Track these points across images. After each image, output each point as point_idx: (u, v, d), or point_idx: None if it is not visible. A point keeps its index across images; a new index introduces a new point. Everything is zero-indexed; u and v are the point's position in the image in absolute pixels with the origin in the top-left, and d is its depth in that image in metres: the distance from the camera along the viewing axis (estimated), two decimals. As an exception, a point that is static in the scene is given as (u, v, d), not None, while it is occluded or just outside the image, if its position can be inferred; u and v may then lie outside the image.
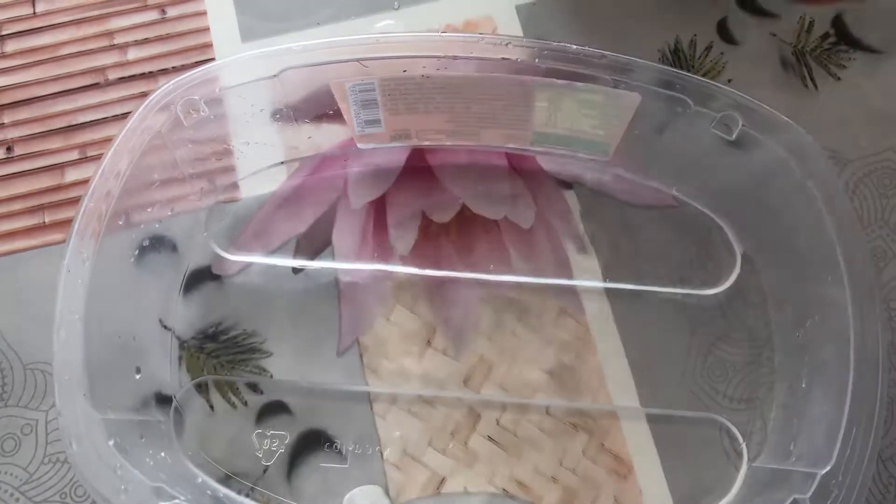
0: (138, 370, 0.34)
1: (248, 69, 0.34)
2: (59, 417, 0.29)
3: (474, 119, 0.37)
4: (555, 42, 0.34)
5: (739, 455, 0.35)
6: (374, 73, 0.35)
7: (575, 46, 0.33)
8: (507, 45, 0.34)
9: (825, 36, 0.42)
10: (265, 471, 0.35)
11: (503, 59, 0.34)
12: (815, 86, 0.41)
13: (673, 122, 0.35)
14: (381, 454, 0.35)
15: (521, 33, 0.41)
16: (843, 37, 0.42)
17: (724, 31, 0.42)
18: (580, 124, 0.36)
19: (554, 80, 0.34)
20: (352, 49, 0.34)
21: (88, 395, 0.31)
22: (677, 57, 0.41)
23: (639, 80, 0.34)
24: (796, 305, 0.35)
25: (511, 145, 0.39)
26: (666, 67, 0.33)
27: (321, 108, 0.36)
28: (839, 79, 0.41)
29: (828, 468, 0.30)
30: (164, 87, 0.33)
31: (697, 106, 0.34)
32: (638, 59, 0.33)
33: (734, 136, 0.34)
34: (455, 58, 0.34)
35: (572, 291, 0.38)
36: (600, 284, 0.38)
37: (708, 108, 0.34)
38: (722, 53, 0.41)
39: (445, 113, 0.37)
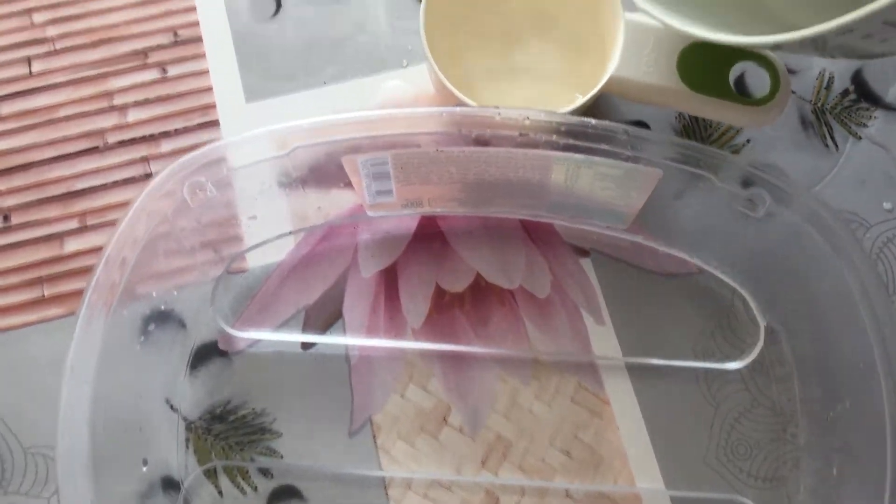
0: (145, 462, 0.33)
1: (256, 147, 0.32)
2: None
3: (489, 189, 0.36)
4: (573, 116, 0.32)
5: (765, 534, 0.34)
6: (386, 147, 0.33)
7: (594, 121, 0.32)
8: (524, 119, 0.32)
9: (845, 93, 0.41)
10: (277, 560, 0.34)
11: (521, 135, 0.32)
12: (836, 145, 0.40)
13: (693, 191, 0.34)
14: (397, 541, 0.34)
15: (534, 93, 0.40)
16: (864, 93, 0.41)
17: (741, 88, 0.41)
18: (598, 195, 0.35)
19: (572, 154, 0.33)
20: (363, 125, 0.32)
21: (93, 486, 0.29)
22: (695, 117, 0.40)
23: (659, 155, 0.32)
24: (824, 382, 0.34)
25: (526, 213, 0.38)
26: (686, 142, 0.32)
27: (331, 180, 0.35)
28: (860, 138, 0.40)
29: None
30: (171, 168, 0.32)
31: (720, 182, 0.32)
32: (657, 134, 0.32)
33: (761, 214, 0.33)
34: (470, 134, 0.33)
35: (591, 365, 0.37)
36: (619, 360, 0.36)
37: (729, 182, 0.33)
38: (741, 113, 0.40)
39: (458, 183, 0.36)
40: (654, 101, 0.36)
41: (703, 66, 0.35)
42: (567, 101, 0.36)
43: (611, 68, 0.35)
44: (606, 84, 0.35)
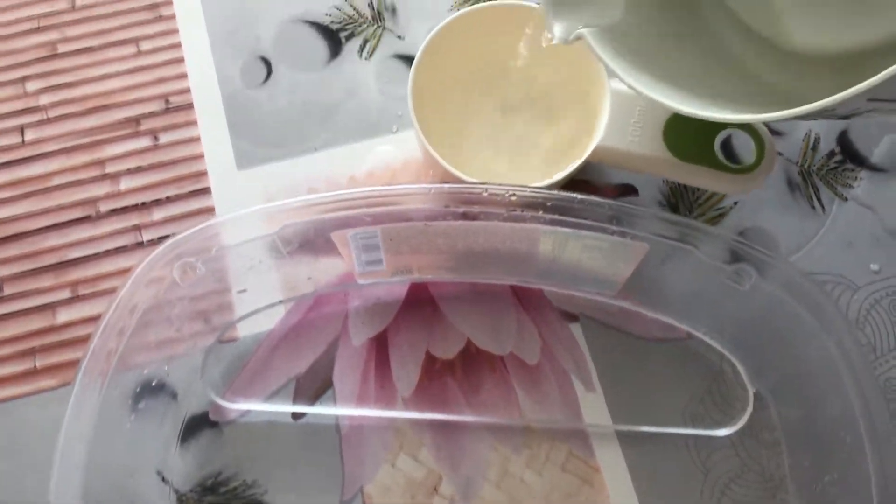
0: (136, 540, 0.33)
1: (247, 227, 0.33)
2: None
3: (478, 258, 0.36)
4: (559, 192, 0.33)
5: None
6: (376, 222, 0.34)
7: (580, 196, 0.33)
8: (510, 196, 0.33)
9: (831, 154, 0.41)
10: None
11: (508, 211, 0.33)
12: (823, 207, 0.40)
13: (680, 263, 0.34)
14: None
15: (522, 158, 0.40)
16: (850, 154, 0.41)
17: (728, 151, 0.41)
18: (586, 265, 0.36)
19: (558, 227, 0.34)
20: (353, 203, 0.33)
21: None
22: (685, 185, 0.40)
23: (643, 229, 0.33)
24: (812, 450, 0.35)
25: (515, 279, 0.38)
26: (670, 215, 0.33)
27: (321, 252, 0.36)
28: (846, 199, 0.40)
29: None
30: (162, 248, 0.32)
31: (703, 255, 0.33)
32: (641, 208, 0.33)
33: (747, 287, 0.33)
34: (458, 210, 0.33)
35: (581, 433, 0.37)
36: (610, 427, 0.37)
37: (713, 253, 0.33)
38: (727, 176, 0.40)
39: (448, 253, 0.36)
40: (640, 169, 0.37)
41: (689, 134, 0.36)
42: (556, 168, 0.36)
43: (596, 138, 0.35)
44: (593, 153, 0.35)
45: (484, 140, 0.39)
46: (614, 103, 0.36)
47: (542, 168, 0.38)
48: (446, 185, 0.33)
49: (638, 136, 0.36)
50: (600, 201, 0.32)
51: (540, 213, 0.33)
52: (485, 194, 0.33)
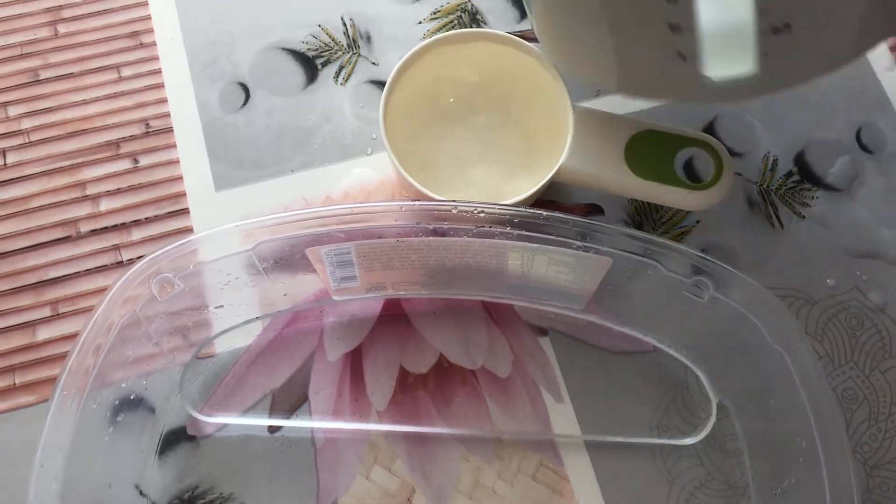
0: (113, 552, 0.33)
1: (223, 243, 0.34)
2: None
3: (449, 273, 0.38)
4: (525, 209, 0.34)
5: None
6: (349, 237, 0.35)
7: (545, 213, 0.34)
8: (479, 213, 0.34)
9: (789, 174, 0.43)
10: None
11: (477, 227, 0.34)
12: (781, 224, 0.42)
13: (644, 277, 0.36)
14: None
15: (492, 179, 0.42)
16: (807, 175, 0.43)
17: (690, 170, 0.43)
18: (554, 279, 0.37)
19: (526, 242, 0.35)
20: (326, 220, 0.34)
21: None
22: (648, 203, 0.42)
23: (608, 244, 0.34)
24: (772, 458, 0.36)
25: (486, 295, 0.39)
26: (634, 231, 0.34)
27: (296, 269, 0.37)
28: (804, 217, 0.42)
29: None
30: (140, 266, 0.33)
31: (667, 270, 0.34)
32: (606, 225, 0.34)
33: (706, 299, 0.34)
34: (429, 226, 0.34)
35: (551, 443, 0.38)
36: (578, 438, 0.38)
37: (676, 269, 0.34)
38: (689, 195, 0.42)
39: (420, 269, 0.37)
40: (604, 188, 0.38)
41: (649, 154, 0.37)
42: (525, 186, 0.38)
43: (560, 160, 0.37)
44: (558, 173, 0.37)
45: (455, 159, 0.41)
46: (577, 124, 0.37)
47: (511, 185, 0.40)
48: (417, 203, 0.35)
49: (600, 157, 0.37)
50: (566, 218, 0.34)
51: (508, 230, 0.34)
52: (454, 211, 0.34)
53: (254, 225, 0.34)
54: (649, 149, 0.37)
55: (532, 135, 0.41)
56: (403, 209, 0.34)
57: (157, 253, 0.33)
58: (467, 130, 0.41)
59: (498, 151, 0.41)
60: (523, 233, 0.34)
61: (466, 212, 0.34)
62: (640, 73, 0.33)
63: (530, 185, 0.37)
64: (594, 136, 0.37)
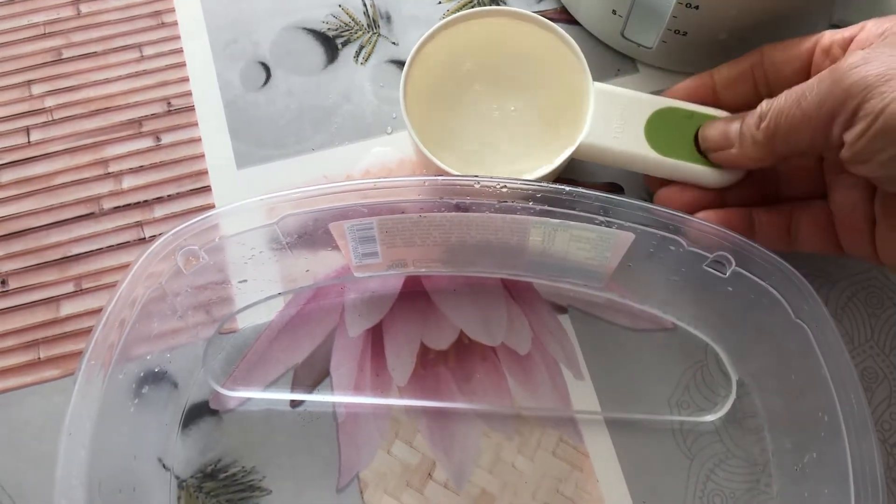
0: (138, 521, 0.34)
1: (247, 217, 0.34)
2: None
3: (470, 250, 0.38)
4: (548, 184, 0.34)
5: (741, 583, 0.36)
6: (372, 214, 0.35)
7: (568, 188, 0.34)
8: (502, 188, 0.34)
9: (808, 154, 0.43)
10: None
11: (499, 202, 0.34)
12: (801, 204, 0.42)
13: (665, 253, 0.36)
14: None
15: (512, 158, 0.42)
16: (826, 155, 0.43)
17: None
18: (574, 256, 0.37)
19: (548, 218, 0.35)
20: (350, 194, 0.34)
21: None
22: (666, 179, 0.42)
23: (631, 220, 0.34)
24: (794, 434, 0.36)
25: (506, 272, 0.40)
26: (657, 207, 0.34)
27: (319, 244, 0.37)
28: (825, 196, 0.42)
29: None
30: (165, 238, 0.33)
31: (690, 246, 0.34)
32: (628, 200, 0.34)
33: (727, 275, 0.34)
34: (451, 201, 0.34)
35: (571, 420, 0.38)
36: (598, 414, 0.38)
37: (699, 246, 0.34)
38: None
39: (441, 245, 0.37)
40: (624, 165, 0.38)
41: (670, 131, 0.37)
42: (544, 163, 0.38)
43: (581, 137, 0.37)
44: (578, 150, 0.37)
45: (477, 139, 0.41)
46: (598, 102, 0.37)
47: (532, 163, 0.40)
48: (440, 178, 0.35)
49: (621, 134, 0.37)
50: (588, 192, 0.34)
51: (530, 205, 0.34)
52: (477, 186, 0.34)
53: (277, 199, 0.34)
54: (669, 126, 0.37)
55: (552, 113, 0.41)
56: (426, 184, 0.34)
57: (181, 227, 0.33)
58: (488, 109, 0.41)
59: (518, 129, 0.41)
60: (546, 208, 0.34)
61: (489, 187, 0.34)
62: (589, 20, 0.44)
63: (550, 162, 0.37)
64: (615, 113, 0.37)
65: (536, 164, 0.39)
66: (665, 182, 0.38)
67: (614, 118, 0.37)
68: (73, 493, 0.30)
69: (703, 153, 0.37)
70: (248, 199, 0.34)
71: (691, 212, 0.35)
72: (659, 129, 0.37)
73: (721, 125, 0.36)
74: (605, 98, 0.37)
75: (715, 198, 0.37)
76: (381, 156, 0.43)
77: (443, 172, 0.37)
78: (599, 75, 0.43)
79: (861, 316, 0.40)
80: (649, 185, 0.40)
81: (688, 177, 0.37)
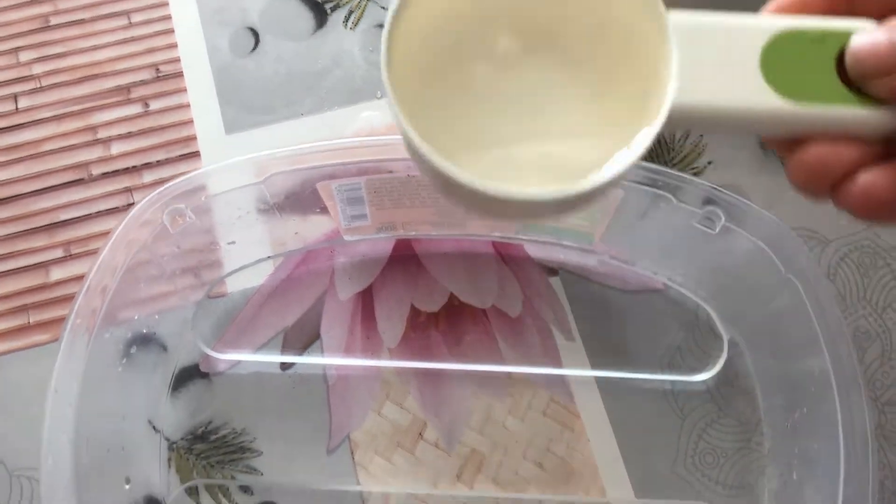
0: (128, 480, 0.34)
1: (234, 175, 0.34)
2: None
3: (459, 212, 0.38)
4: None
5: (733, 542, 0.35)
6: (360, 174, 0.35)
7: (557, 144, 0.34)
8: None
9: (801, 116, 0.42)
10: (258, 576, 0.35)
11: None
12: (793, 165, 0.41)
13: (655, 211, 0.35)
14: (375, 555, 0.35)
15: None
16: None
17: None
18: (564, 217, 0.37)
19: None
20: (337, 153, 0.34)
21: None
22: (658, 141, 0.42)
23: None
24: (785, 392, 0.36)
25: (496, 234, 0.39)
26: (647, 164, 0.34)
27: (307, 206, 0.37)
28: (816, 158, 0.42)
29: (822, 566, 0.30)
30: (152, 196, 0.33)
31: (679, 201, 0.34)
32: (620, 156, 0.34)
33: (717, 230, 0.34)
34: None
35: (561, 380, 0.38)
36: (589, 374, 0.38)
37: (688, 202, 0.34)
38: (701, 137, 0.42)
39: (430, 207, 0.37)
40: (735, 127, 0.26)
41: (798, 64, 0.24)
42: (603, 157, 0.23)
43: (668, 100, 0.23)
44: (668, 119, 0.23)
45: (495, 128, 0.26)
46: (684, 43, 0.23)
47: (588, 159, 0.24)
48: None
49: (728, 83, 0.24)
50: (576, 149, 0.34)
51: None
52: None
53: (266, 157, 0.34)
54: (796, 57, 0.25)
55: (606, 78, 0.26)
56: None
57: (168, 185, 0.33)
58: (508, 82, 0.26)
59: (556, 109, 0.26)
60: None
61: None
62: None
63: (613, 155, 0.23)
64: (710, 53, 0.24)
65: (592, 157, 0.24)
66: (799, 142, 0.24)
67: (711, 62, 0.24)
68: (60, 451, 0.30)
69: (854, 87, 0.24)
70: (235, 158, 0.34)
71: (852, 175, 0.23)
72: (782, 64, 0.24)
73: (882, 35, 0.23)
74: (691, 34, 0.24)
75: (882, 151, 0.23)
76: (370, 120, 0.42)
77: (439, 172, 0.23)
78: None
79: (853, 276, 0.40)
80: (778, 150, 0.26)
81: (837, 125, 0.24)
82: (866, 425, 0.32)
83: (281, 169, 0.34)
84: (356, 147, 0.34)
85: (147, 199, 0.33)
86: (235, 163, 0.34)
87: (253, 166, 0.34)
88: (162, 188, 0.33)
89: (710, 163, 0.42)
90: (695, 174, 0.41)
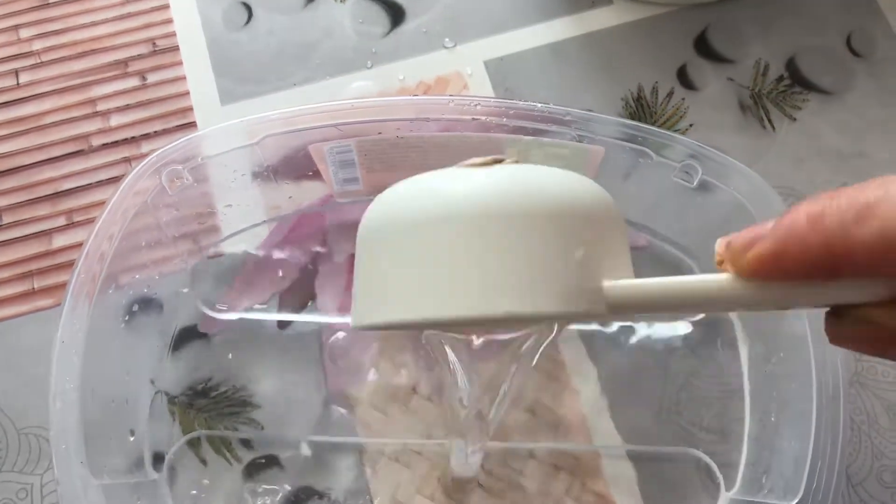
0: (132, 432, 0.35)
1: (229, 138, 0.35)
2: (58, 486, 0.30)
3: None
4: (521, 101, 0.35)
5: (717, 487, 0.37)
6: (351, 136, 0.36)
7: (540, 105, 0.35)
8: (475, 105, 0.35)
9: (780, 79, 0.44)
10: (258, 524, 0.36)
11: (473, 119, 0.35)
12: (773, 127, 0.43)
13: (637, 169, 0.37)
14: None
15: (490, 87, 0.43)
16: (797, 79, 0.44)
17: (683, 77, 0.44)
18: (549, 175, 0.38)
19: (522, 136, 0.36)
20: (328, 114, 0.35)
21: (85, 463, 0.32)
22: (640, 104, 0.43)
23: (602, 133, 0.35)
24: (764, 341, 0.37)
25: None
26: (626, 121, 0.35)
27: (301, 169, 0.38)
28: (795, 119, 0.43)
29: (797, 499, 0.31)
30: (149, 159, 0.34)
31: (659, 156, 0.35)
32: (600, 115, 0.35)
33: (695, 184, 0.36)
34: (427, 120, 0.35)
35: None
36: (573, 329, 0.39)
37: (668, 157, 0.35)
38: (683, 99, 0.43)
39: (420, 168, 0.38)
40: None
41: None
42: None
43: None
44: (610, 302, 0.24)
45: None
46: None
47: None
48: (417, 98, 0.36)
49: None
50: (560, 108, 0.35)
51: (504, 121, 0.35)
52: (451, 105, 0.35)
53: (258, 119, 0.35)
54: None
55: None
56: (403, 104, 0.36)
57: (164, 148, 0.35)
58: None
59: None
60: (519, 124, 0.35)
61: (462, 104, 0.35)
62: None
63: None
64: None
65: None
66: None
67: None
68: (67, 396, 0.31)
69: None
70: (229, 122, 0.35)
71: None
72: None
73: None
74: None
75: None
76: (362, 90, 0.44)
77: None
78: (573, 7, 0.44)
79: (831, 231, 0.41)
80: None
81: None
82: (838, 369, 0.33)
83: (274, 131, 0.35)
84: (346, 108, 0.35)
85: (146, 161, 0.34)
86: (229, 125, 0.35)
87: (246, 129, 0.35)
88: (158, 152, 0.34)
89: (691, 125, 0.43)
90: (677, 136, 0.42)
